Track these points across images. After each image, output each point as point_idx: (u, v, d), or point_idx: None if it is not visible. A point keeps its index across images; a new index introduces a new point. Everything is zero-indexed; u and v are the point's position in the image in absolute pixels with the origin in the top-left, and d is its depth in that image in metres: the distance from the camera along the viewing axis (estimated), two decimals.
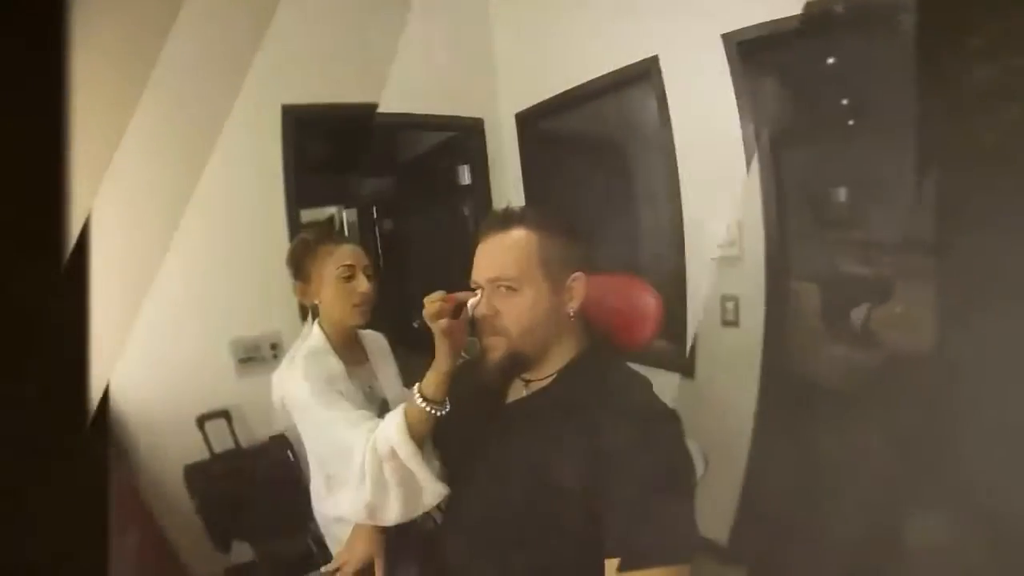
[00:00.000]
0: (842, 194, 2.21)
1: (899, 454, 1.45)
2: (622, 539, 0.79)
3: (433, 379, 0.97)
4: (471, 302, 0.95)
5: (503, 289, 0.93)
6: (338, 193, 2.20)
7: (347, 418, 1.10)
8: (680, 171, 1.83)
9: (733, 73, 1.63)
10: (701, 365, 1.91)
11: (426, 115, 2.17)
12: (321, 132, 1.95)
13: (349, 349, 1.31)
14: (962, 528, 1.19)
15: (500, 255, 0.94)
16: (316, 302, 1.28)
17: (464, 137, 2.33)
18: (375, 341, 1.43)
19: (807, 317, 2.12)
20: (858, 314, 2.10)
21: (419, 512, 1.02)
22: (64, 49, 0.67)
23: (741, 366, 1.81)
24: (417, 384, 0.98)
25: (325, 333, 1.26)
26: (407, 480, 0.99)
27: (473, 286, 0.98)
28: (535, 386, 0.99)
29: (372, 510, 1.01)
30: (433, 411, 0.96)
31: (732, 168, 1.71)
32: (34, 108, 0.65)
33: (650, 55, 1.80)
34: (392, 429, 0.98)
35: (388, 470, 0.98)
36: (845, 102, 2.01)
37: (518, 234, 0.95)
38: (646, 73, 1.82)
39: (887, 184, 2.17)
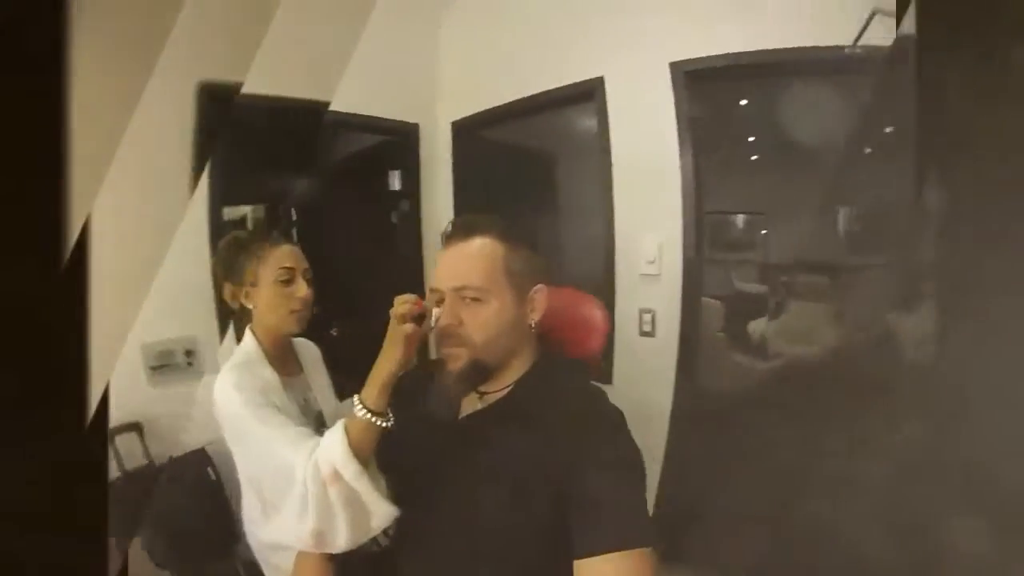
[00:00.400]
0: (742, 221, 2.47)
1: (797, 447, 1.59)
2: (583, 532, 0.81)
3: (375, 388, 0.90)
4: (435, 311, 0.92)
5: (468, 299, 0.91)
6: (260, 191, 2.02)
7: (285, 436, 1.00)
8: (615, 190, 1.92)
9: (676, 101, 1.75)
10: (618, 372, 2.01)
11: (360, 115, 2.05)
12: (246, 124, 1.80)
13: (283, 359, 1.21)
14: (848, 509, 1.39)
15: (466, 264, 0.92)
16: (249, 306, 1.17)
17: (398, 142, 2.24)
18: (308, 350, 1.33)
19: (713, 329, 2.34)
20: (755, 327, 2.35)
21: (369, 536, 0.95)
22: (65, 51, 0.62)
23: (656, 373, 1.93)
24: (356, 395, 0.91)
25: (258, 340, 1.16)
26: (354, 503, 0.91)
27: (433, 294, 0.94)
28: (491, 398, 0.97)
29: (319, 537, 0.92)
30: (378, 422, 0.89)
31: (663, 190, 1.83)
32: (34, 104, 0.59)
33: (596, 76, 1.88)
34: (334, 447, 0.90)
35: (333, 493, 0.90)
36: (752, 139, 2.23)
37: (484, 243, 0.93)
38: (590, 93, 1.90)
39: (786, 214, 2.47)
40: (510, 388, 0.96)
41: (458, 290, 0.91)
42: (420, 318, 0.90)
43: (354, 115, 2.04)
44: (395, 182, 2.30)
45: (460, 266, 0.92)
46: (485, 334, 0.91)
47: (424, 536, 0.95)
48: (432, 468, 0.96)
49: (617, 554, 0.77)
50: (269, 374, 1.13)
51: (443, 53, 2.26)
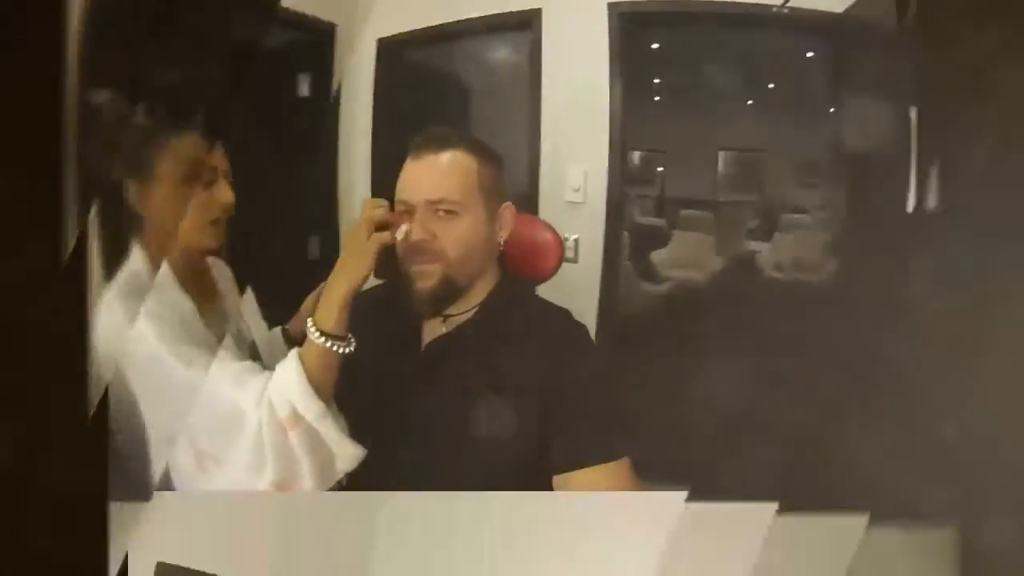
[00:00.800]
0: (642, 158, 2.68)
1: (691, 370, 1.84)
2: (564, 446, 0.84)
3: (334, 307, 0.82)
4: (403, 226, 0.88)
5: (441, 213, 0.89)
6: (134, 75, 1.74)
7: (225, 374, 0.84)
8: (543, 120, 1.98)
9: (610, 40, 1.85)
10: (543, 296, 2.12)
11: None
12: None
13: (196, 281, 0.99)
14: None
15: (441, 176, 0.90)
16: (139, 212, 0.92)
17: (311, 43, 2.01)
18: (221, 270, 1.11)
19: (622, 259, 2.56)
20: (656, 256, 2.62)
21: (334, 481, 0.86)
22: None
23: (580, 299, 2.04)
24: (309, 318, 0.84)
25: (150, 257, 0.91)
26: (317, 446, 0.82)
27: (401, 207, 0.91)
28: (456, 320, 0.95)
29: (280, 489, 0.82)
30: (338, 348, 0.82)
31: (590, 125, 1.95)
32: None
33: (534, 7, 1.90)
34: (290, 384, 0.80)
35: (294, 438, 0.80)
36: (656, 81, 2.40)
37: (459, 156, 0.92)
38: (527, 23, 1.92)
39: (678, 154, 2.71)
40: (475, 309, 0.95)
41: (433, 203, 0.89)
42: (385, 228, 0.86)
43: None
44: (304, 87, 2.06)
45: (435, 178, 0.90)
46: (459, 250, 0.90)
47: (393, 475, 0.89)
48: (396, 400, 0.93)
49: (601, 465, 0.82)
50: (183, 300, 0.92)
51: None
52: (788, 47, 1.98)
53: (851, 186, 2.07)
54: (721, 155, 2.88)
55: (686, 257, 2.57)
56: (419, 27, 2.03)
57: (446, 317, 0.96)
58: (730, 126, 2.78)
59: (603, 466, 0.83)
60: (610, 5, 1.81)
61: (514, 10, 1.93)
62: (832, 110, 2.18)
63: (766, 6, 1.67)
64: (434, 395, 0.93)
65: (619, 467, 0.84)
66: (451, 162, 0.91)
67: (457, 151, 0.92)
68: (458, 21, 1.98)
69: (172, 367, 0.83)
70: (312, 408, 0.81)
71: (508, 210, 0.98)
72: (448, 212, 0.89)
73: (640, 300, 2.57)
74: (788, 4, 1.62)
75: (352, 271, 0.83)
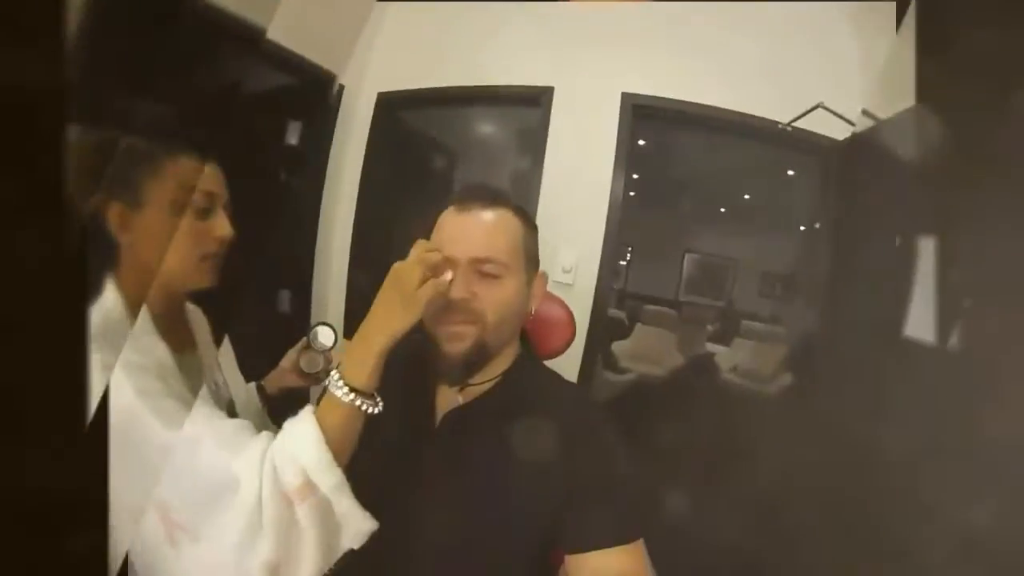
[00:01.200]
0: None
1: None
2: (580, 527, 0.78)
3: (368, 360, 0.71)
4: (448, 273, 0.77)
5: (485, 273, 0.80)
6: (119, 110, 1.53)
7: (214, 435, 0.70)
8: (541, 197, 1.95)
9: (620, 128, 1.86)
10: None
11: (274, 43, 1.65)
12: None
13: (174, 327, 0.83)
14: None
15: (489, 234, 0.82)
16: (120, 240, 0.75)
17: (307, 90, 1.87)
18: (197, 317, 0.94)
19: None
20: (617, 347, 2.61)
21: (334, 561, 0.72)
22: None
23: None
24: (334, 371, 0.72)
25: (124, 297, 0.74)
26: (326, 521, 0.69)
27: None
28: (473, 391, 0.86)
29: (273, 571, 0.67)
30: (366, 408, 0.71)
31: (587, 209, 1.93)
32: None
33: (547, 84, 1.91)
34: (304, 448, 0.68)
35: (303, 512, 0.67)
36: (635, 176, 2.45)
37: (506, 215, 0.84)
38: (536, 99, 1.92)
39: (645, 250, 2.79)
40: (496, 381, 0.87)
41: (478, 261, 0.80)
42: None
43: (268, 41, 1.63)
44: (292, 135, 1.90)
45: (482, 235, 0.82)
46: (498, 314, 0.81)
47: (406, 552, 0.80)
48: (407, 472, 0.84)
49: (616, 548, 0.76)
50: (161, 349, 0.76)
51: (389, 13, 2.03)
52: (772, 163, 2.11)
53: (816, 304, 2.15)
54: (687, 257, 3.03)
55: (646, 351, 2.60)
56: (423, 86, 1.97)
57: (463, 388, 0.86)
58: (698, 231, 2.94)
59: (619, 548, 0.77)
60: (624, 95, 1.85)
61: (526, 84, 1.92)
62: (803, 228, 2.34)
63: (772, 122, 1.76)
64: (448, 470, 0.84)
65: (634, 549, 0.78)
66: (500, 220, 0.83)
67: (505, 210, 0.84)
68: (466, 87, 1.94)
69: (151, 426, 0.67)
70: (329, 478, 0.68)
71: (542, 279, 0.90)
72: (491, 274, 0.81)
73: (602, 388, 2.55)
74: (793, 124, 1.70)
75: (397, 319, 0.71)
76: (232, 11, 1.36)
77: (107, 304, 0.73)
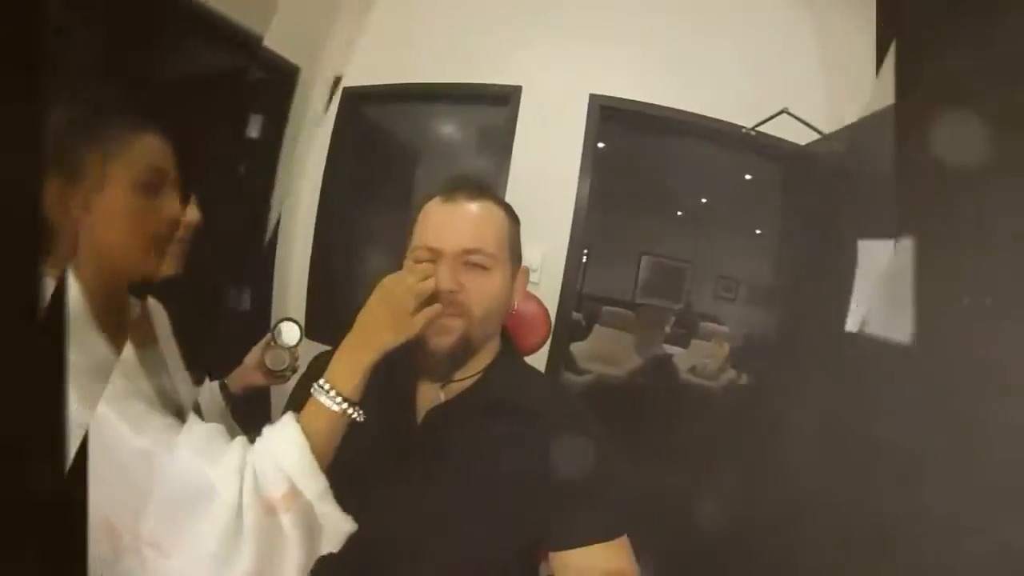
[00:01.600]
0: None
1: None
2: (562, 524, 0.78)
3: (356, 369, 0.71)
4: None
5: (472, 264, 0.80)
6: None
7: (190, 441, 0.66)
8: (507, 197, 1.93)
9: (587, 128, 1.88)
10: None
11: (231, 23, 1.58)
12: None
13: (119, 321, 0.74)
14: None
15: (477, 225, 0.81)
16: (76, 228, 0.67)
17: (270, 82, 1.79)
18: (157, 310, 0.86)
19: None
20: (575, 348, 2.62)
21: (311, 566, 0.70)
22: None
23: None
24: (320, 379, 0.72)
25: (86, 289, 0.67)
26: (309, 528, 0.68)
27: (424, 254, 0.81)
28: (455, 388, 0.85)
29: None
30: (353, 414, 0.71)
31: (553, 207, 1.94)
32: None
33: (515, 83, 1.91)
34: (289, 455, 0.66)
35: (288, 520, 0.65)
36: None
37: (492, 207, 0.84)
38: (505, 98, 1.91)
39: (602, 252, 2.81)
40: (478, 377, 0.86)
41: (467, 252, 0.80)
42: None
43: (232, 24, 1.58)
44: (254, 129, 1.79)
45: (471, 226, 0.81)
46: (484, 306, 0.81)
47: (382, 552, 0.78)
48: (388, 471, 0.82)
49: (601, 545, 0.76)
50: (100, 347, 0.68)
51: (358, 5, 1.95)
52: (732, 167, 2.16)
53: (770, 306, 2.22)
54: (644, 259, 3.07)
55: (605, 352, 2.62)
56: (390, 82, 1.94)
57: (444, 384, 0.85)
58: (655, 232, 2.99)
59: (604, 544, 0.77)
60: (592, 96, 1.87)
61: (494, 83, 1.91)
62: (759, 232, 2.41)
63: (736, 126, 1.81)
64: (432, 468, 0.82)
65: (619, 545, 0.78)
66: (486, 212, 0.83)
67: (491, 202, 0.84)
68: (433, 84, 1.92)
69: (120, 433, 0.62)
70: (314, 485, 0.67)
71: (524, 274, 0.90)
72: (479, 265, 0.80)
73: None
74: (757, 128, 1.76)
75: (388, 335, 0.72)
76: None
77: (72, 300, 0.66)
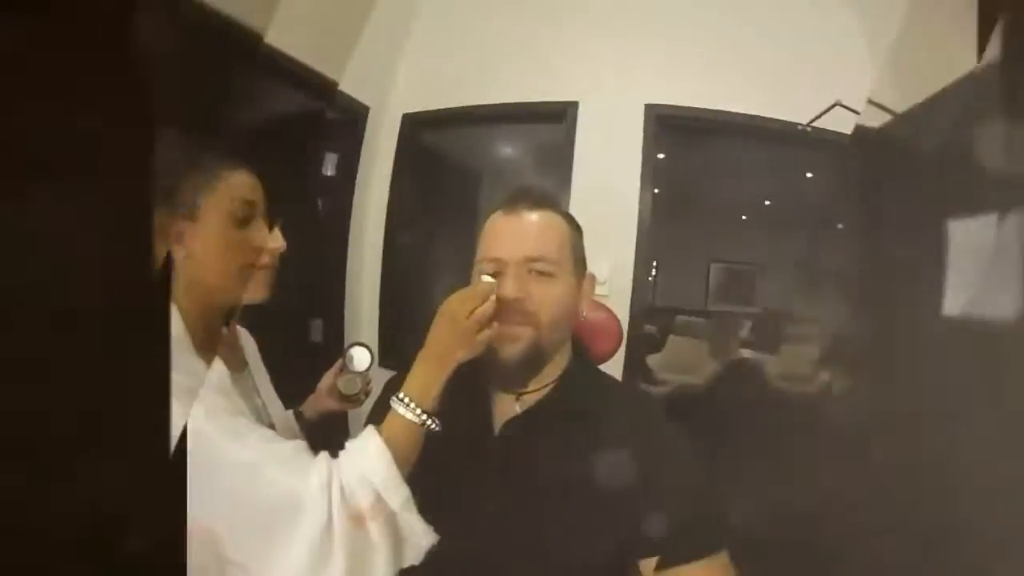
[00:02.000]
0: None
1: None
2: (659, 539, 0.76)
3: (432, 382, 0.74)
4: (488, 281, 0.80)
5: (537, 272, 0.81)
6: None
7: (276, 458, 0.68)
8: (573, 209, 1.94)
9: (645, 139, 1.88)
10: None
11: (309, 70, 1.61)
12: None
13: (220, 346, 0.82)
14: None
15: (539, 234, 0.83)
16: (178, 256, 0.73)
17: (343, 121, 1.90)
18: (246, 337, 0.94)
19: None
20: (652, 360, 2.59)
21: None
22: None
23: None
24: (400, 392, 0.74)
25: (183, 315, 0.74)
26: (394, 536, 0.69)
27: (490, 265, 0.82)
28: (530, 399, 0.85)
29: None
30: (432, 425, 0.73)
31: (617, 221, 1.94)
32: None
33: (572, 99, 1.93)
34: (374, 466, 0.68)
35: (375, 530, 0.67)
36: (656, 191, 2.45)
37: (554, 217, 0.85)
38: (562, 114, 1.93)
39: (672, 262, 2.78)
40: (553, 386, 0.86)
41: (530, 261, 0.81)
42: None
43: (311, 70, 1.62)
44: (330, 167, 1.93)
45: (533, 235, 0.82)
46: (551, 313, 0.81)
47: (467, 566, 0.78)
48: (469, 484, 0.82)
49: (703, 560, 0.74)
50: (199, 369, 0.73)
51: (414, 39, 2.06)
52: (792, 165, 2.11)
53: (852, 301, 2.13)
54: (713, 267, 3.03)
55: (681, 361, 2.58)
56: (448, 106, 1.99)
57: (519, 396, 0.85)
58: (723, 239, 2.93)
59: (705, 561, 0.74)
60: (648, 106, 1.87)
61: (550, 100, 1.94)
62: (840, 226, 2.33)
63: (791, 123, 1.78)
64: (513, 480, 0.82)
65: (720, 561, 0.75)
66: (548, 222, 0.84)
67: (551, 212, 0.85)
68: (489, 105, 1.96)
69: (222, 447, 0.66)
70: (399, 495, 0.69)
71: (591, 280, 0.89)
72: (543, 273, 0.81)
73: None
74: (812, 124, 1.72)
75: (459, 351, 0.75)
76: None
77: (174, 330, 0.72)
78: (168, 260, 0.72)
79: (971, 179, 1.15)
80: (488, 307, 0.76)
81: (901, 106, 1.61)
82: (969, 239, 1.39)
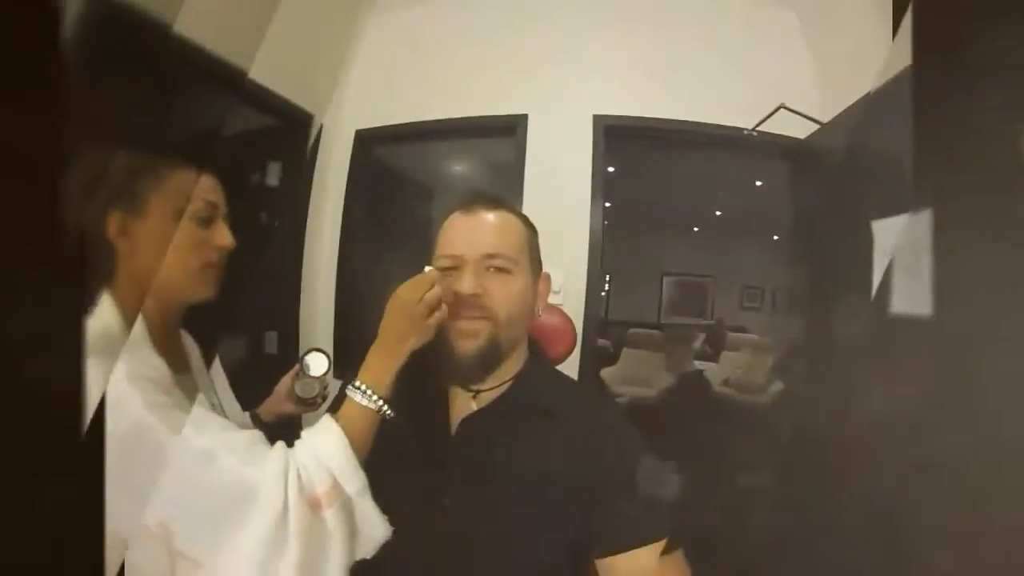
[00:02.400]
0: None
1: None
2: (604, 529, 0.78)
3: (386, 369, 0.76)
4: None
5: (494, 269, 0.83)
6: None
7: (232, 447, 0.66)
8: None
9: (595, 149, 1.91)
10: None
11: (254, 84, 1.63)
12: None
13: (169, 344, 0.79)
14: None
15: (497, 232, 0.85)
16: (119, 246, 0.71)
17: (285, 130, 1.87)
18: (189, 340, 0.90)
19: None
20: (605, 374, 2.61)
21: (349, 567, 0.71)
22: None
23: None
24: (356, 380, 0.75)
25: (122, 311, 0.71)
26: (349, 523, 0.69)
27: (448, 262, 0.84)
28: (487, 396, 0.87)
29: None
30: (387, 411, 0.75)
31: (568, 230, 1.96)
32: None
33: (521, 112, 1.95)
34: (331, 452, 0.69)
35: (331, 517, 0.66)
36: (608, 205, 2.50)
37: (509, 216, 0.88)
38: (511, 128, 1.96)
39: (624, 276, 2.81)
40: (509, 384, 0.87)
41: (488, 257, 0.83)
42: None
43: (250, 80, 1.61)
44: (272, 177, 1.89)
45: (490, 233, 0.85)
46: (508, 309, 0.83)
47: (423, 562, 0.78)
48: (425, 478, 0.83)
49: (647, 547, 0.76)
50: (158, 364, 0.71)
51: (362, 51, 2.07)
52: (740, 175, 2.16)
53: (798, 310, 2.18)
54: (666, 280, 3.07)
55: (635, 374, 2.60)
56: (400, 122, 2.00)
57: (476, 393, 0.87)
58: (674, 252, 2.98)
59: (650, 547, 0.76)
60: (596, 117, 1.90)
61: (500, 114, 1.96)
62: (776, 238, 2.39)
63: (736, 128, 1.83)
64: (469, 476, 0.83)
65: (669, 556, 0.77)
66: (505, 220, 0.87)
67: (508, 212, 0.88)
68: (440, 120, 1.98)
69: (166, 437, 0.63)
70: (356, 481, 0.70)
71: (546, 281, 0.92)
72: (501, 269, 0.83)
73: None
74: (757, 128, 1.76)
75: (412, 338, 0.77)
76: (213, 52, 1.40)
77: (104, 316, 0.70)
78: (108, 251, 0.71)
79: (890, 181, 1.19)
80: (435, 292, 0.77)
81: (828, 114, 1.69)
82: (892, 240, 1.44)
